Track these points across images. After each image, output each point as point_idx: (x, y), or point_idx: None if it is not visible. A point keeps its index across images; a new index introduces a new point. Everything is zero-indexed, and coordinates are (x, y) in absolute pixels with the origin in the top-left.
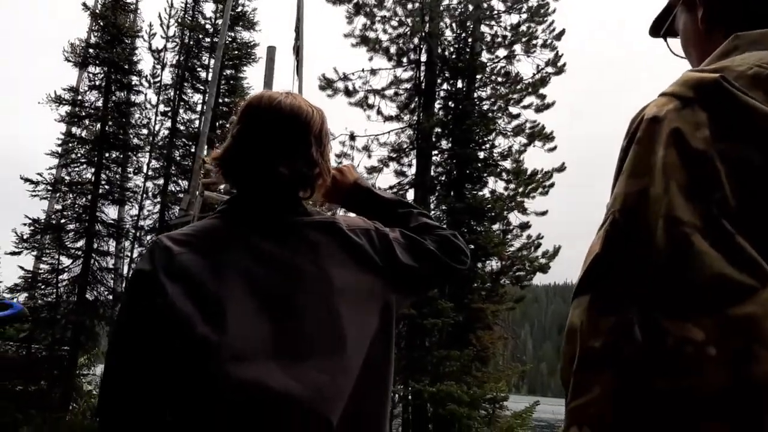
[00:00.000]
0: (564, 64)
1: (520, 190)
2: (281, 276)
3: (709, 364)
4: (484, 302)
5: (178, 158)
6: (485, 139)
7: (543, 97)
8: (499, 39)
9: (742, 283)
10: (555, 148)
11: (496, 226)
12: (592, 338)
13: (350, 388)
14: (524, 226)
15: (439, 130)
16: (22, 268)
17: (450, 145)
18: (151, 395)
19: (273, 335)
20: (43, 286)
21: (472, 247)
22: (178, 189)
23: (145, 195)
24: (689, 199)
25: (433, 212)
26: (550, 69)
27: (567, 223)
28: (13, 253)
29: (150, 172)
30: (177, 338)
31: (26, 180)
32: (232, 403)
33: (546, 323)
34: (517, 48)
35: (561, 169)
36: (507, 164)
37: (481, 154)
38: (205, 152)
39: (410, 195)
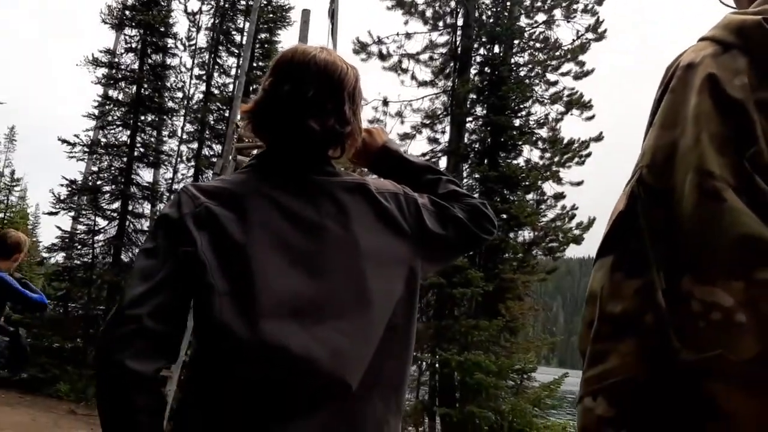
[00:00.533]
0: (605, 31)
1: (556, 159)
2: (307, 234)
3: (737, 331)
4: (515, 273)
5: (212, 122)
6: (521, 106)
7: (582, 63)
8: (539, 3)
9: None
10: (593, 116)
11: (529, 196)
12: (612, 303)
13: (371, 352)
14: (559, 196)
15: (474, 96)
16: (59, 228)
17: (485, 112)
18: (171, 331)
19: (295, 293)
20: (79, 247)
21: (505, 216)
22: (211, 153)
23: (179, 158)
24: (721, 152)
25: (465, 181)
26: (590, 35)
27: (603, 194)
28: (50, 213)
29: (184, 136)
30: (200, 288)
31: (63, 141)
32: (249, 359)
33: (578, 296)
34: (557, 13)
35: (599, 138)
36: (543, 132)
37: (517, 122)
38: (238, 117)
39: (443, 163)
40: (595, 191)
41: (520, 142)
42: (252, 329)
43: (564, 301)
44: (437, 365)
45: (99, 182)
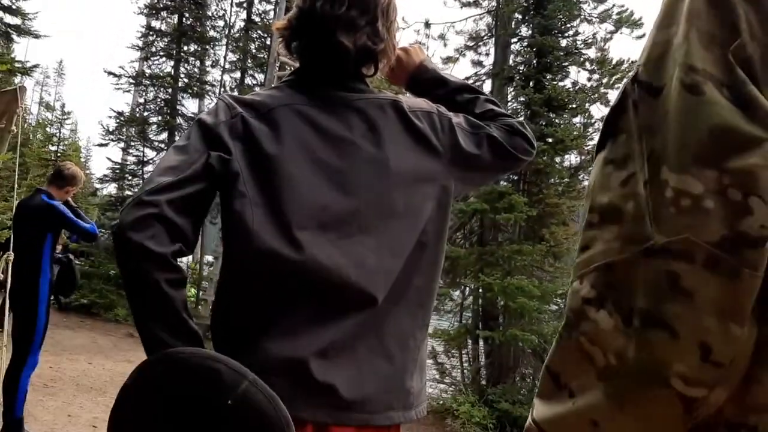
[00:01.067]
0: None
1: (604, 81)
2: (337, 151)
3: (704, 216)
4: (561, 197)
5: (253, 51)
6: (568, 25)
7: None
8: None
9: (750, 134)
10: (644, 35)
11: (576, 119)
12: (601, 195)
13: (398, 268)
14: None
15: (519, 16)
16: (110, 159)
17: (530, 32)
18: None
19: (325, 208)
20: (130, 177)
21: (550, 140)
22: (254, 83)
23: (222, 88)
24: (707, 47)
25: (510, 104)
26: None
27: None
28: (100, 145)
29: (227, 65)
30: (232, 196)
31: (109, 73)
32: (279, 268)
33: None
34: None
35: None
36: (591, 53)
37: (564, 42)
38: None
39: (487, 86)
40: None
41: (566, 64)
42: (283, 239)
43: None
44: (480, 290)
45: (146, 113)
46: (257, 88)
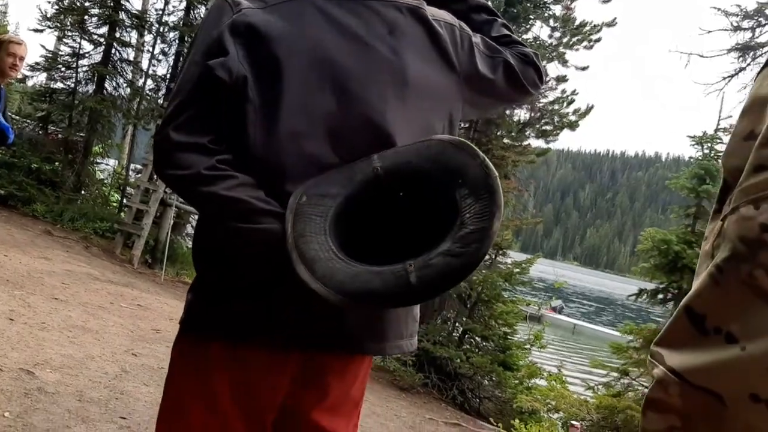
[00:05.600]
0: None
1: (565, 40)
2: (354, 52)
3: None
4: (507, 151)
5: None
6: None
7: None
8: None
9: None
10: (610, 0)
11: None
12: None
13: None
14: (561, 79)
15: None
16: (43, 47)
17: None
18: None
19: (329, 116)
20: (63, 69)
21: None
22: None
23: None
24: None
25: None
26: None
27: (605, 81)
28: (36, 30)
29: None
30: (240, 101)
31: None
32: (278, 185)
33: (551, 187)
34: None
35: (611, 23)
36: (557, 10)
37: None
38: None
39: None
40: (597, 78)
41: (532, 17)
42: (284, 148)
43: (536, 189)
44: None
45: (87, 3)
46: None
